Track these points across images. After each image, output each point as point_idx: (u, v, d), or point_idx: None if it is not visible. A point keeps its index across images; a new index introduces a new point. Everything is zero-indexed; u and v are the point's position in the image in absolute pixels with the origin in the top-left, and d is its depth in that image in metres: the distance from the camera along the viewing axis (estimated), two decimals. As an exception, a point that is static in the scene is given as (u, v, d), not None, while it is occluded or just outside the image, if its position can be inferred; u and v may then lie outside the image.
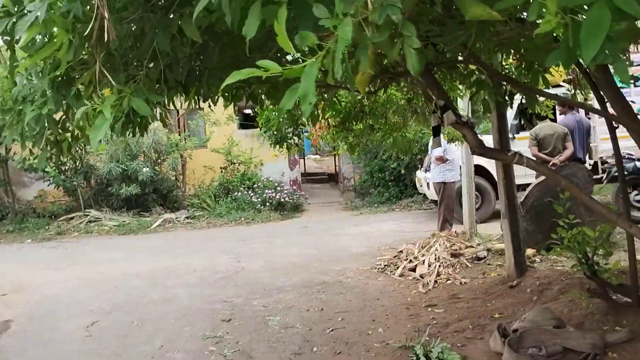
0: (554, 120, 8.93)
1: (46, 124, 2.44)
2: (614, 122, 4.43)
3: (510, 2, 1.36)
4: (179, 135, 13.92)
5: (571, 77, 7.66)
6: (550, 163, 8.01)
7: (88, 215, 13.20)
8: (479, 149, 3.11)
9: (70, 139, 2.80)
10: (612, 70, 3.99)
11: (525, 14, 2.12)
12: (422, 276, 6.94)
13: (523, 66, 4.11)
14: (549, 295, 5.44)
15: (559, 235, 4.92)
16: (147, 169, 12.94)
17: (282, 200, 13.52)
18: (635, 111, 4.48)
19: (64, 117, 2.63)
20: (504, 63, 4.02)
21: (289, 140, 6.55)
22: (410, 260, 7.50)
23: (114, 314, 6.47)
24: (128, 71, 2.19)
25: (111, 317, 6.35)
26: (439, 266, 7.10)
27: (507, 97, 3.68)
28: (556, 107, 9.11)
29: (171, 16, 1.96)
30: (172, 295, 7.03)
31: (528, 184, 7.78)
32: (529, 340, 4.40)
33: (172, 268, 8.53)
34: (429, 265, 7.17)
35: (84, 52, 2.00)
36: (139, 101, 1.93)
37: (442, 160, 8.92)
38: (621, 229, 5.95)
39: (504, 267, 6.89)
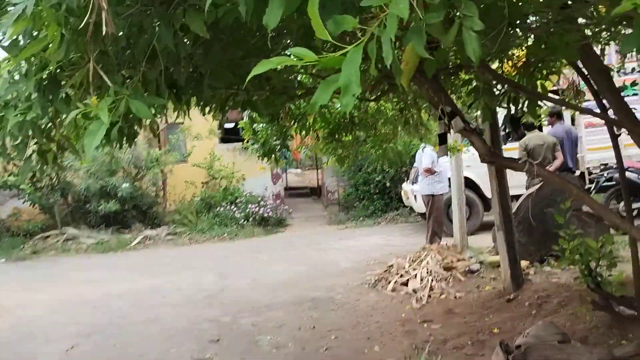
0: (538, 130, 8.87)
1: (30, 132, 2.21)
2: (615, 129, 4.35)
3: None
4: (159, 149, 13.63)
5: (556, 87, 7.65)
6: (539, 174, 7.92)
7: (65, 233, 12.80)
8: (489, 157, 2.97)
9: (55, 150, 2.58)
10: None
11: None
12: (415, 291, 6.76)
13: (519, 72, 4.01)
14: (548, 308, 5.30)
15: (560, 246, 4.80)
16: (127, 184, 12.61)
17: (266, 215, 13.29)
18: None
19: (49, 124, 2.41)
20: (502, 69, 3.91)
21: (277, 153, 6.34)
22: (402, 275, 7.32)
23: (95, 337, 6.17)
24: (123, 72, 1.98)
25: (92, 341, 6.05)
26: (432, 280, 6.93)
27: (511, 104, 3.54)
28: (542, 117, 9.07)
29: (173, 11, 1.78)
30: (156, 316, 6.74)
31: (519, 195, 7.68)
32: (533, 356, 4.23)
33: (155, 287, 8.24)
34: (422, 280, 7.00)
35: (75, 52, 1.79)
36: (138, 103, 1.73)
37: (430, 172, 8.80)
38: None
39: (498, 280, 6.76)
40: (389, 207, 13.27)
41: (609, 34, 3.29)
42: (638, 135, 3.65)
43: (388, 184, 12.99)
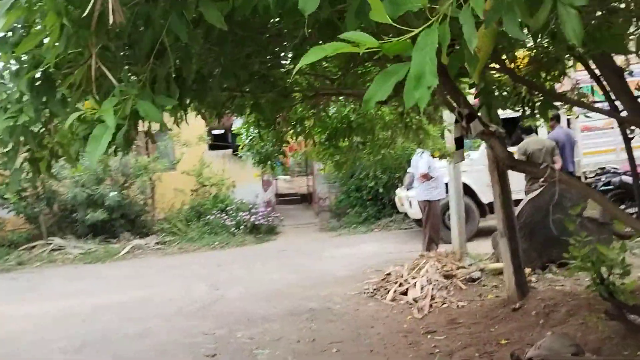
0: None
1: (22, 138, 2.00)
2: (627, 132, 4.22)
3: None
4: (147, 157, 13.34)
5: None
6: (542, 179, 7.80)
7: (51, 243, 12.47)
8: (509, 161, 2.81)
9: (49, 157, 2.36)
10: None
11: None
12: (415, 300, 6.58)
13: (528, 73, 3.87)
14: (556, 318, 5.13)
15: (570, 254, 4.65)
16: (115, 193, 12.33)
17: (257, 222, 13.06)
18: None
19: (42, 129, 2.20)
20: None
21: (273, 159, 6.16)
22: (401, 284, 7.14)
23: (85, 351, 5.92)
24: (128, 70, 1.78)
25: (81, 356, 5.80)
26: (432, 289, 6.75)
27: (528, 106, 3.38)
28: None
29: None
30: (148, 329, 6.50)
31: (517, 200, 7.55)
32: (547, 369, 4.08)
33: (146, 298, 7.98)
34: (422, 288, 6.82)
35: (75, 46, 1.59)
36: (147, 105, 1.53)
37: (427, 177, 8.64)
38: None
39: (500, 288, 6.61)
40: (382, 214, 13.09)
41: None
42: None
43: (381, 190, 12.81)
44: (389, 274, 7.64)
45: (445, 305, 6.34)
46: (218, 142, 16.36)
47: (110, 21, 1.29)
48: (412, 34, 0.88)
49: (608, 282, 4.36)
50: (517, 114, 7.81)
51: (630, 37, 2.44)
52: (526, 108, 3.43)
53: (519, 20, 0.95)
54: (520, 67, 3.97)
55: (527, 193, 7.96)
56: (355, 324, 6.10)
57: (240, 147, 6.40)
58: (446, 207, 9.67)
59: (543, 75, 3.88)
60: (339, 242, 11.60)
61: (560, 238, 6.97)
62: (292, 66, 2.97)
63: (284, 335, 5.92)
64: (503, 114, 7.17)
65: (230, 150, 15.09)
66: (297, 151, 8.76)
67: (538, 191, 7.45)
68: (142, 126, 2.95)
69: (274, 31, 2.10)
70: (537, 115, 4.22)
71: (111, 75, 1.57)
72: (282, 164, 6.23)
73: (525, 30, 2.99)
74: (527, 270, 6.74)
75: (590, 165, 9.87)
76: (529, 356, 4.31)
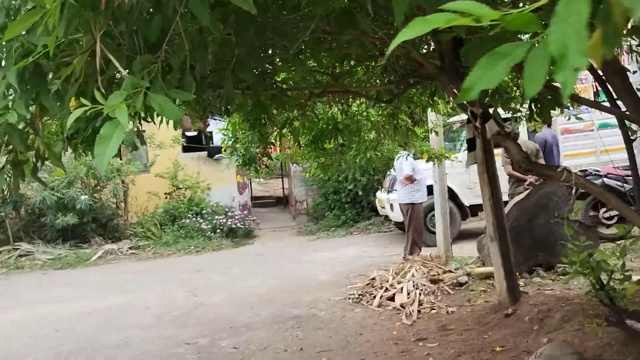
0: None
1: (4, 137, 1.75)
2: (630, 134, 4.12)
3: None
4: (120, 159, 12.93)
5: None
6: (527, 182, 7.75)
7: (18, 249, 11.99)
8: (525, 163, 2.67)
9: (34, 160, 2.11)
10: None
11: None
12: (402, 306, 6.43)
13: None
14: (551, 324, 5.02)
15: (568, 259, 4.55)
16: (86, 196, 11.92)
17: (234, 226, 12.78)
18: None
19: (26, 128, 1.95)
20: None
21: (258, 161, 5.95)
22: (387, 289, 6.98)
23: (60, 364, 5.62)
24: (139, 59, 1.56)
25: (56, 369, 5.50)
26: (420, 294, 6.62)
27: (536, 106, 3.24)
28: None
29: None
30: (127, 339, 6.21)
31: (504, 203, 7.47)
32: (549, 378, 3.96)
33: (122, 306, 7.67)
34: (408, 294, 6.68)
35: (75, 30, 1.37)
36: (162, 98, 1.32)
37: (411, 180, 8.51)
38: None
39: (489, 292, 6.51)
40: (360, 217, 12.94)
41: None
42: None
43: (360, 193, 12.66)
44: (373, 278, 7.49)
45: (434, 311, 6.20)
46: (192, 144, 15.99)
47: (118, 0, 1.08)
48: (540, 3, 0.71)
49: (608, 288, 4.27)
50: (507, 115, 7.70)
51: None
52: (532, 108, 3.28)
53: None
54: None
55: (511, 196, 7.89)
56: (343, 332, 5.92)
57: (222, 149, 6.16)
58: (428, 210, 9.60)
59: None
60: (318, 246, 11.41)
61: (546, 241, 6.96)
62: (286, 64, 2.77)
63: (270, 344, 5.70)
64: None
65: (205, 153, 14.78)
66: (282, 154, 8.54)
67: (524, 194, 7.38)
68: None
69: (289, 21, 1.91)
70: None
71: (119, 65, 1.36)
72: (266, 166, 5.99)
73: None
74: (515, 274, 6.67)
75: (570, 168, 9.86)
76: (529, 364, 4.19)
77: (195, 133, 19.31)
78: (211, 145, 16.83)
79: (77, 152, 2.85)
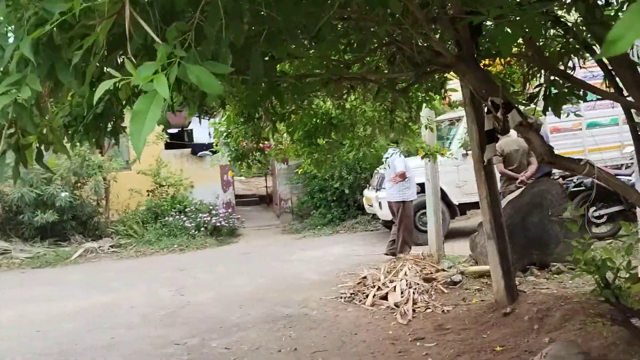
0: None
1: (11, 116, 1.56)
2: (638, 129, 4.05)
3: None
4: (101, 155, 12.61)
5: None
6: (518, 180, 7.70)
7: (-5, 247, 11.64)
8: (549, 157, 2.56)
9: (37, 144, 1.93)
10: None
11: None
12: (397, 305, 6.31)
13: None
14: (551, 323, 4.95)
15: (573, 257, 4.47)
16: (66, 193, 11.60)
17: (218, 224, 12.57)
18: None
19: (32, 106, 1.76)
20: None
21: (251, 157, 5.78)
22: (379, 288, 6.87)
23: (43, 366, 5.40)
24: (174, 24, 1.38)
25: (40, 371, 5.28)
26: (413, 293, 6.51)
27: (550, 98, 3.14)
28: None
29: None
30: (114, 339, 6.00)
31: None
32: (555, 378, 3.87)
33: (106, 305, 7.44)
34: (402, 293, 6.57)
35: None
36: (201, 70, 1.16)
37: (403, 177, 8.41)
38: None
39: (484, 291, 6.44)
40: (346, 215, 12.82)
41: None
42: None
43: (347, 191, 12.53)
44: (364, 277, 7.37)
45: (429, 310, 6.10)
46: (174, 141, 15.74)
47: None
48: None
49: (614, 287, 4.20)
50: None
51: None
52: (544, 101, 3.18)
53: None
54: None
55: (502, 194, 7.81)
56: (337, 331, 5.79)
57: (215, 144, 5.99)
58: (417, 209, 9.51)
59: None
60: (305, 245, 11.26)
61: (540, 240, 6.90)
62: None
63: (262, 344, 5.55)
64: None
65: (188, 150, 14.54)
66: (274, 149, 8.39)
67: (516, 192, 7.33)
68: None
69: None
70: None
71: (151, 31, 1.20)
72: (259, 161, 5.83)
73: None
74: (508, 273, 6.60)
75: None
76: (534, 365, 4.10)
77: (176, 130, 19.09)
78: (194, 142, 16.61)
79: (72, 141, 2.67)
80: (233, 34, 1.46)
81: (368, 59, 3.46)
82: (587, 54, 3.61)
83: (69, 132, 2.50)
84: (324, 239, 11.74)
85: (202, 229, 12.37)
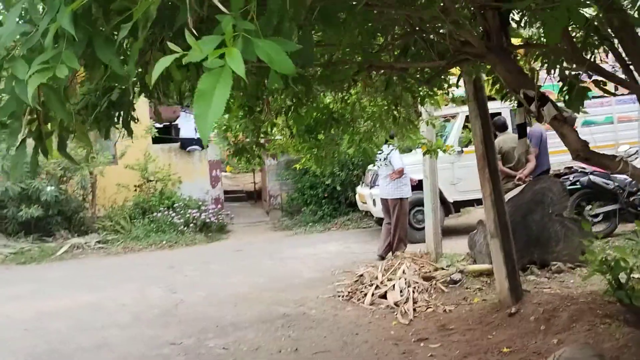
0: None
1: (35, 99, 1.36)
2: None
3: None
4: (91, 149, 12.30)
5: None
6: (516, 177, 7.61)
7: (-23, 242, 11.32)
8: (584, 152, 2.44)
9: (58, 132, 1.74)
10: None
11: None
12: (396, 304, 6.19)
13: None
14: (558, 324, 4.84)
15: (585, 257, 4.38)
16: (52, 187, 11.31)
17: (208, 220, 12.35)
18: None
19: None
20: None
21: (252, 152, 5.60)
22: (377, 286, 6.74)
23: (33, 367, 5.19)
24: None
25: (29, 373, 5.07)
26: (413, 292, 6.40)
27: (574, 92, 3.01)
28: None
29: None
30: (105, 340, 5.80)
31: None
32: (570, 382, 3.76)
33: (95, 303, 7.22)
34: (401, 291, 6.45)
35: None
36: (270, 46, 1.00)
37: (400, 174, 8.29)
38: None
39: (484, 290, 6.33)
40: (338, 212, 12.68)
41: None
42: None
43: (338, 188, 12.38)
44: (361, 275, 7.24)
45: (430, 310, 5.99)
46: (162, 136, 15.47)
47: None
48: None
49: (628, 287, 4.12)
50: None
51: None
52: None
53: None
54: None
55: (505, 192, 7.73)
56: (337, 331, 5.65)
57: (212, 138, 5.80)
58: (411, 206, 9.39)
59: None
60: (297, 242, 11.10)
61: (541, 238, 6.82)
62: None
63: (261, 345, 5.39)
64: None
65: (176, 144, 14.28)
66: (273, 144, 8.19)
67: (514, 191, 7.24)
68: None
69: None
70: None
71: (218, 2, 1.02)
72: (258, 156, 5.66)
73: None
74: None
75: (554, 165, 9.79)
76: (547, 368, 3.99)
77: (161, 125, 18.78)
78: (181, 136, 16.34)
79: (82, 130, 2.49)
80: (293, 8, 1.29)
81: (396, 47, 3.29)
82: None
83: (78, 120, 2.32)
84: (316, 236, 11.59)
85: (191, 225, 12.15)
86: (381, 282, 6.80)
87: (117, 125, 2.49)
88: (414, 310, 6.01)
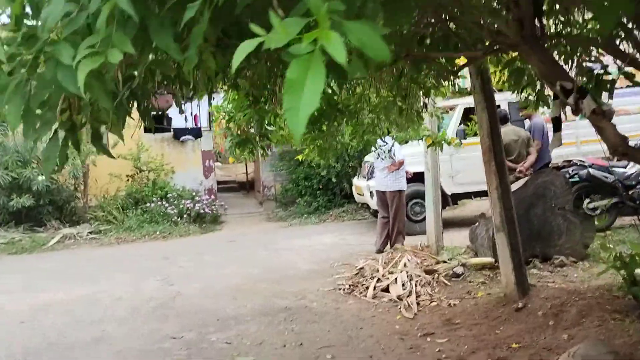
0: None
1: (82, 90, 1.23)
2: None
3: None
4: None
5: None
6: (517, 170, 7.55)
7: (-34, 232, 11.11)
8: (623, 147, 2.36)
9: (89, 125, 1.61)
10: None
11: None
12: (399, 298, 6.12)
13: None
14: (567, 319, 4.79)
15: (599, 252, 4.33)
16: (43, 177, 11.10)
17: (202, 211, 12.21)
18: None
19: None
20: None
21: (255, 143, 5.49)
22: (379, 279, 6.66)
23: (30, 362, 5.06)
24: None
25: (27, 368, 4.94)
26: (415, 285, 6.33)
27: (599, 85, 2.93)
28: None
29: None
30: (102, 333, 5.67)
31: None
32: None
33: (90, 296, 7.07)
34: (403, 285, 6.38)
35: None
36: (362, 29, 0.87)
37: (400, 166, 8.20)
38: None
39: (488, 284, 6.28)
40: (332, 204, 12.59)
41: None
42: None
43: (334, 179, 12.28)
44: (362, 268, 7.17)
45: (434, 304, 5.92)
46: (155, 125, 15.23)
47: None
48: None
49: (642, 283, 4.07)
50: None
51: None
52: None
53: None
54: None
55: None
56: (341, 325, 5.57)
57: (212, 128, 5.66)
58: (408, 198, 9.33)
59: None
60: (292, 233, 11.00)
61: (543, 232, 6.78)
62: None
63: (265, 339, 5.29)
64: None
65: (169, 134, 14.08)
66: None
67: (517, 183, 7.17)
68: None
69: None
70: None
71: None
72: (262, 147, 5.56)
73: None
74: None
75: (553, 158, 9.75)
76: (561, 364, 3.94)
77: (154, 113, 18.52)
78: (174, 126, 16.08)
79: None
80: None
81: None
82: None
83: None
84: (311, 228, 11.50)
85: (185, 215, 12.01)
86: (382, 275, 6.72)
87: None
88: (418, 304, 5.94)
